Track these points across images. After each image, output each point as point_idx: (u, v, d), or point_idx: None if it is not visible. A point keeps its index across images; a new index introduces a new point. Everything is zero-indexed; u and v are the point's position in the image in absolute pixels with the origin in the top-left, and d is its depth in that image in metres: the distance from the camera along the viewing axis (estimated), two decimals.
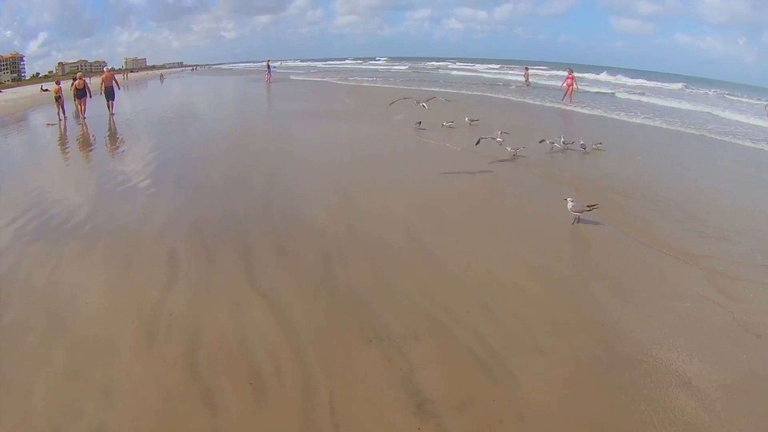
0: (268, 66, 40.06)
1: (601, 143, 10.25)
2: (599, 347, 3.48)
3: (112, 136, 14.68)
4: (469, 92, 24.10)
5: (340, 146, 11.27)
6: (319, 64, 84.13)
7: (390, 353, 3.39)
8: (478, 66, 52.81)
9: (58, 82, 20.17)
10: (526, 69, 29.32)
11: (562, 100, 20.02)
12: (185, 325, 3.76)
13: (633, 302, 4.14)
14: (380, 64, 74.11)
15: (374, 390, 3.05)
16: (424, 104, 12.22)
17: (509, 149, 9.39)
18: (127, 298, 4.28)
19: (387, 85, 30.62)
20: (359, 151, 10.61)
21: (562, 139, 10.17)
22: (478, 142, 9.50)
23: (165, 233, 5.82)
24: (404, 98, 13.01)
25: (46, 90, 42.11)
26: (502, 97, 22.25)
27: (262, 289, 4.34)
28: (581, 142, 10.06)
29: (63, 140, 14.36)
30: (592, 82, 32.32)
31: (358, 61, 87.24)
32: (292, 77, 40.61)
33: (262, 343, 3.51)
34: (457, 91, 23.91)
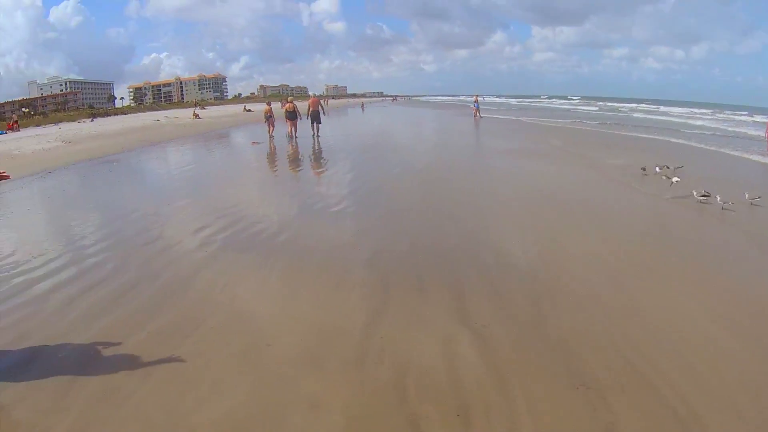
0: (476, 101, 40.49)
1: None
2: None
3: (318, 158, 16.19)
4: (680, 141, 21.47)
5: (548, 188, 10.98)
6: (512, 101, 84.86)
7: (595, 402, 3.36)
8: (677, 110, 47.92)
9: (269, 103, 23.08)
10: None
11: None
12: (396, 350, 4.02)
13: None
14: (571, 103, 71.15)
15: None
16: (676, 179, 11.07)
17: (719, 200, 8.68)
18: (337, 316, 4.55)
19: (584, 128, 29.48)
20: (569, 194, 10.33)
21: None
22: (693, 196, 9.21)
23: (375, 259, 6.24)
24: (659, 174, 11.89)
25: (249, 110, 48.92)
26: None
27: (473, 324, 4.48)
28: None
29: (272, 158, 16.57)
30: None
31: (552, 100, 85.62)
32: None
33: (471, 377, 3.68)
34: (684, 142, 21.35)
